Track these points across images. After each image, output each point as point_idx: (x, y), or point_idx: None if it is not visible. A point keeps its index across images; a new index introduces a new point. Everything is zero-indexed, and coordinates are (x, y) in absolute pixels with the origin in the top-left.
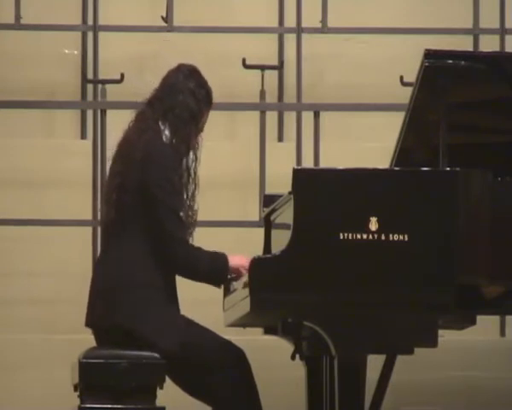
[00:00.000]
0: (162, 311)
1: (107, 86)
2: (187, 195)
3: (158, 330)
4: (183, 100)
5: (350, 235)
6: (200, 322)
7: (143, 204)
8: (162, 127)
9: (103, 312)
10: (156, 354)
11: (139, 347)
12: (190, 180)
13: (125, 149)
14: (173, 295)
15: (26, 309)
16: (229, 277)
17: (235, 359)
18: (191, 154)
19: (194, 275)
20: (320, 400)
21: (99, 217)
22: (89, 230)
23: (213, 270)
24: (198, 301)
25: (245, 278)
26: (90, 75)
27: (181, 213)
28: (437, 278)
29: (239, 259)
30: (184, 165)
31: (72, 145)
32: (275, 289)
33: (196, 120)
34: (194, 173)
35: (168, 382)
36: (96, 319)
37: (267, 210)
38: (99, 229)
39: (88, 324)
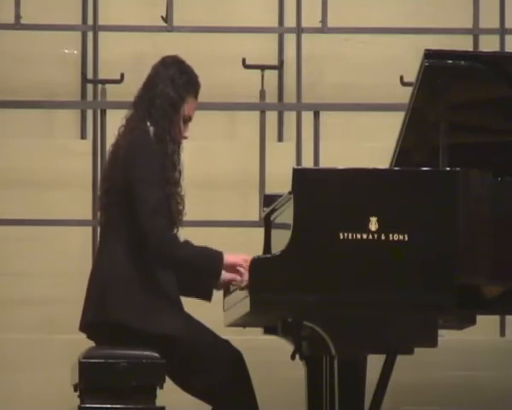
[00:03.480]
0: (153, 300)
1: (107, 86)
2: (173, 184)
3: (146, 317)
4: (162, 90)
5: (350, 235)
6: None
7: (128, 202)
8: (148, 124)
9: (94, 311)
10: (156, 354)
11: (140, 344)
12: (175, 168)
13: (113, 154)
14: (169, 289)
15: (26, 309)
16: (223, 278)
17: (233, 358)
18: (176, 143)
19: (183, 268)
20: (320, 400)
21: (98, 217)
22: (89, 230)
23: (200, 259)
24: (198, 301)
25: (245, 280)
26: (89, 75)
27: (164, 207)
28: (437, 278)
29: (235, 257)
30: (169, 155)
31: (72, 145)
32: (275, 289)
33: (177, 107)
34: (178, 160)
35: (168, 382)
36: (87, 320)
37: (267, 210)
38: (99, 229)
39: (81, 328)
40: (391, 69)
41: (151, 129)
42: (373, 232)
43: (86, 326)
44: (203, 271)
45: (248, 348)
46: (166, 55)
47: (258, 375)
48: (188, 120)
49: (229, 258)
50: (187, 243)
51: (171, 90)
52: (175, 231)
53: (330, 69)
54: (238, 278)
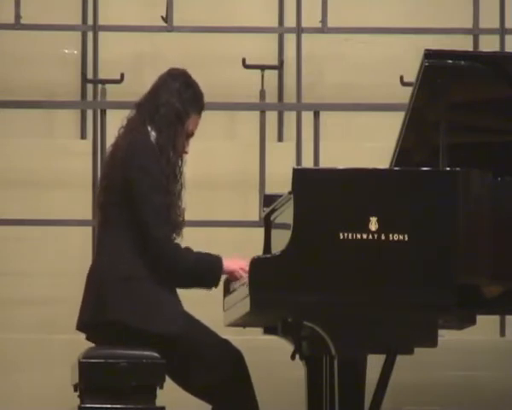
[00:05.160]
0: (153, 299)
1: (107, 86)
2: (173, 194)
3: (146, 316)
4: (167, 100)
5: (350, 235)
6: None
7: (127, 202)
8: (149, 129)
9: (93, 311)
10: (156, 354)
11: (140, 343)
12: (176, 180)
13: (112, 153)
14: (167, 287)
15: (26, 309)
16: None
17: (233, 357)
18: (178, 155)
19: (179, 273)
20: (320, 399)
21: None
22: (89, 230)
23: (201, 269)
24: (198, 301)
25: (245, 279)
26: (90, 75)
27: (164, 211)
28: (437, 278)
29: (234, 262)
30: (171, 165)
31: (72, 145)
32: (275, 289)
33: (182, 119)
34: (180, 173)
35: (168, 382)
36: (87, 319)
37: (267, 210)
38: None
39: (78, 327)
40: (391, 69)
41: (152, 133)
42: (373, 232)
43: (85, 325)
44: (204, 276)
45: (248, 348)
46: (173, 68)
47: (258, 375)
48: (190, 135)
49: (227, 265)
50: (188, 250)
51: (176, 102)
52: (173, 237)
53: (330, 69)
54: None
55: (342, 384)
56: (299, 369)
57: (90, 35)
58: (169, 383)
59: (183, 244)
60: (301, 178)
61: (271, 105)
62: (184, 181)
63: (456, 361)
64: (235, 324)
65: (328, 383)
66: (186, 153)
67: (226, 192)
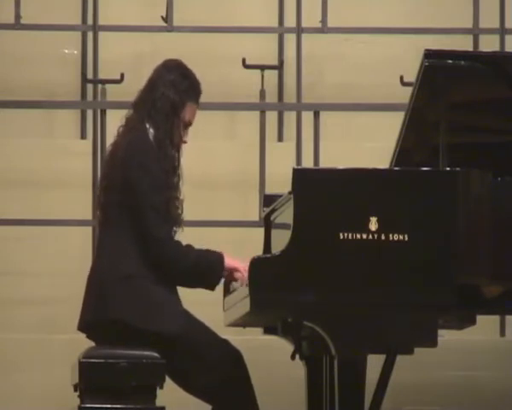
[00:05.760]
0: (153, 298)
1: (107, 86)
2: (173, 188)
3: (146, 315)
4: (163, 93)
5: (350, 235)
6: None
7: (128, 201)
8: (148, 126)
9: (94, 310)
10: (156, 354)
11: (140, 343)
12: (175, 173)
13: (112, 153)
14: (168, 286)
15: (26, 309)
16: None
17: (233, 357)
18: (176, 147)
19: (180, 272)
20: (320, 399)
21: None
22: (89, 230)
23: (201, 268)
24: (198, 301)
25: (245, 279)
26: (89, 75)
27: (163, 209)
28: (437, 278)
29: (235, 261)
30: (169, 159)
31: (72, 145)
32: (275, 289)
33: (177, 111)
34: (178, 165)
35: (168, 382)
36: (88, 318)
37: (267, 210)
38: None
39: (80, 327)
40: (391, 69)
41: (150, 131)
42: (373, 232)
43: (86, 325)
44: (205, 275)
45: (248, 348)
46: (169, 59)
47: (258, 375)
48: (188, 125)
49: (229, 263)
50: (189, 247)
51: (172, 94)
52: (174, 232)
53: (330, 69)
54: (240, 274)
55: (342, 384)
56: (299, 369)
57: (90, 35)
58: (169, 383)
59: (183, 243)
60: (301, 178)
61: (271, 105)
62: (182, 172)
63: (456, 361)
64: (235, 324)
65: (328, 383)
66: (185, 142)
67: (226, 192)
